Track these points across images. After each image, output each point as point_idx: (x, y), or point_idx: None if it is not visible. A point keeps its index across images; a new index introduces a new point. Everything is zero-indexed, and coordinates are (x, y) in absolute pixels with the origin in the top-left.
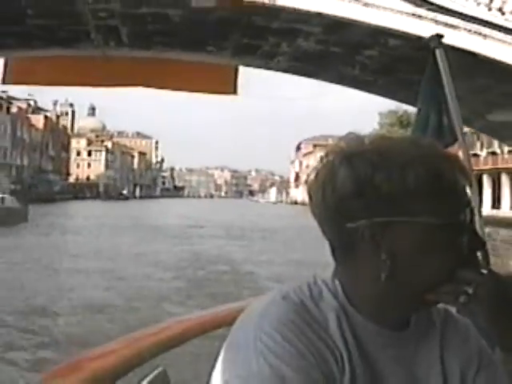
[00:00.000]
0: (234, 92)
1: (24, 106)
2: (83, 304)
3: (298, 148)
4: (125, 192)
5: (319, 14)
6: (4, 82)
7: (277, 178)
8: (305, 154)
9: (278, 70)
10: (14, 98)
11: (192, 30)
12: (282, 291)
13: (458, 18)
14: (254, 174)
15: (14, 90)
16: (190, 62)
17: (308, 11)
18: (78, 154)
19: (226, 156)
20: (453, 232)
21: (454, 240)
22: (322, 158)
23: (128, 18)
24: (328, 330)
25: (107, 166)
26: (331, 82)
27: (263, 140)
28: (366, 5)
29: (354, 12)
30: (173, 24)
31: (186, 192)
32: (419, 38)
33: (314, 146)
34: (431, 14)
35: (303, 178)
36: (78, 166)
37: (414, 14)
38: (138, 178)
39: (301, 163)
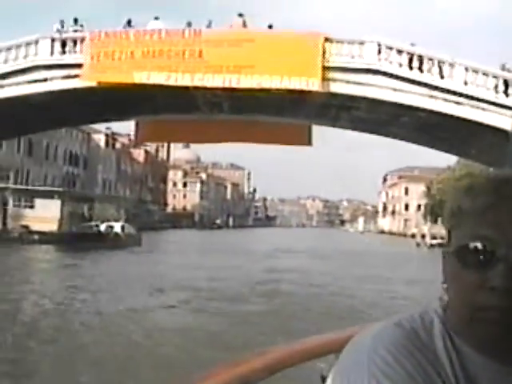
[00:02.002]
0: (309, 144)
1: (126, 141)
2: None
3: (385, 179)
4: (218, 221)
5: (363, 97)
6: (136, 139)
7: (369, 207)
8: (390, 186)
9: (342, 129)
10: (118, 134)
11: (274, 104)
12: (395, 319)
13: (463, 97)
14: (345, 203)
15: (116, 127)
16: (274, 122)
17: (355, 95)
18: (175, 185)
19: (318, 186)
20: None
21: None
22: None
23: (228, 98)
24: (437, 357)
25: (202, 197)
26: (383, 136)
27: (354, 169)
28: (394, 90)
29: (386, 95)
30: (260, 100)
31: (278, 222)
32: (433, 112)
33: (399, 177)
34: (441, 95)
35: (390, 208)
36: (174, 196)
37: (429, 96)
38: (231, 208)
39: (387, 194)
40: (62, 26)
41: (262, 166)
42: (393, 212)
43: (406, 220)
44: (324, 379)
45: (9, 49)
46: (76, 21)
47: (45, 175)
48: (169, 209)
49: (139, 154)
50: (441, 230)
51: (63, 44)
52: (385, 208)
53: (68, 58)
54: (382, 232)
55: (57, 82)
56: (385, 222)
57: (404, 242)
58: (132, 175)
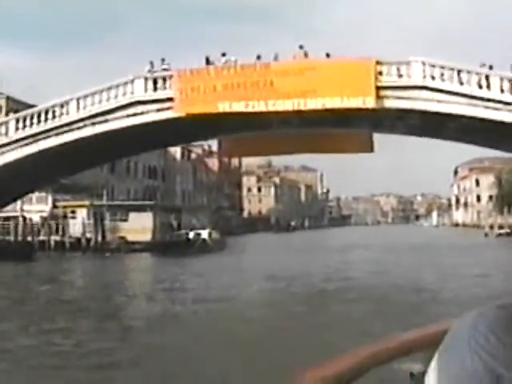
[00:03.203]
0: (372, 151)
1: (200, 151)
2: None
3: (456, 172)
4: (293, 223)
5: (412, 110)
6: (220, 155)
7: (443, 200)
8: (462, 178)
9: (400, 134)
10: (193, 145)
11: (337, 118)
12: (498, 302)
13: (497, 103)
14: (419, 198)
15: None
16: (338, 133)
17: (405, 108)
18: (249, 190)
19: (392, 182)
20: None
21: None
22: None
23: (297, 116)
24: None
25: (276, 200)
26: (437, 138)
27: (427, 162)
28: (438, 101)
29: (432, 106)
30: (325, 116)
31: (352, 220)
32: (473, 117)
33: (470, 169)
34: (481, 103)
35: (462, 200)
36: (249, 201)
37: (470, 104)
38: (305, 210)
39: (459, 186)
40: (152, 66)
41: (333, 165)
42: (465, 204)
43: (478, 211)
44: (413, 376)
45: (109, 88)
46: (163, 60)
47: (127, 190)
48: (245, 214)
49: (214, 164)
50: (508, 219)
51: (155, 82)
52: (457, 200)
53: (160, 94)
54: (457, 225)
55: (152, 115)
56: (458, 215)
57: (475, 233)
58: (208, 184)
